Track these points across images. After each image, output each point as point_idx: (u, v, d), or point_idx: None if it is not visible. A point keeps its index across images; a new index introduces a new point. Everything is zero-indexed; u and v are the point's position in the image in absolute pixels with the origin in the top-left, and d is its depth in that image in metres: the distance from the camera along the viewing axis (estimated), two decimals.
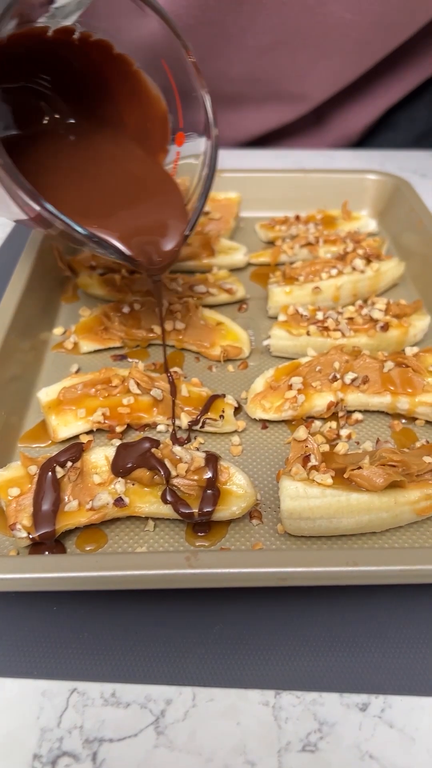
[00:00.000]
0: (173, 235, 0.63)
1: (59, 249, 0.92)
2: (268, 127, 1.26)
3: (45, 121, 0.71)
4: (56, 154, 0.67)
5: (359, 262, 0.86)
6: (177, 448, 0.59)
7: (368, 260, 0.87)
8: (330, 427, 0.69)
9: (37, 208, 0.51)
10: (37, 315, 0.83)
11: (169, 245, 0.63)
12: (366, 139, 1.38)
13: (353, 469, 0.57)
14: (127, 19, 0.59)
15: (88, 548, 0.58)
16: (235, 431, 0.70)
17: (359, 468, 0.57)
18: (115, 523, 0.60)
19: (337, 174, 1.08)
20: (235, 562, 0.49)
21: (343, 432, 0.69)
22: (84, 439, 0.63)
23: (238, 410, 0.72)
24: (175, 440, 0.68)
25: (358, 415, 0.71)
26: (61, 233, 0.56)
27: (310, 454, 0.59)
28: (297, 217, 1.02)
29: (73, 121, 0.70)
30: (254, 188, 1.07)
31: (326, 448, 0.65)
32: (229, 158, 1.28)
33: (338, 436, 0.69)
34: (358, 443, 0.69)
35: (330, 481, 0.56)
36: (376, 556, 0.50)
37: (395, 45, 1.11)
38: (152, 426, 0.70)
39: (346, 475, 0.56)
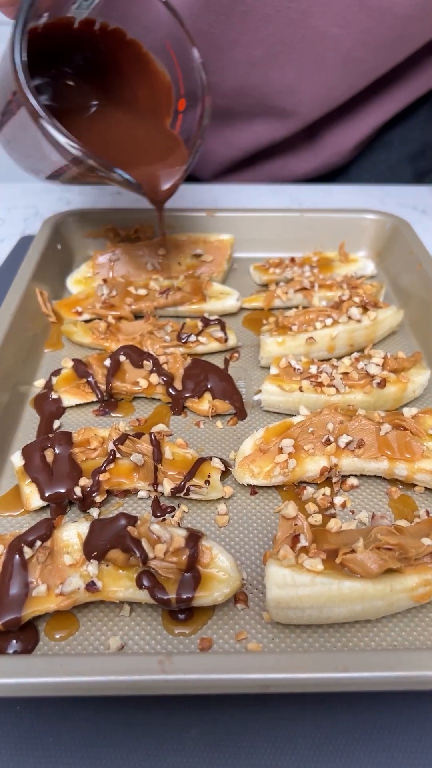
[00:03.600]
0: (174, 171, 0.79)
1: (44, 294, 0.89)
2: (259, 143, 1.25)
3: (74, 105, 0.84)
4: (81, 125, 0.80)
5: (355, 311, 0.82)
6: (155, 527, 0.54)
7: (365, 308, 0.84)
8: (323, 494, 0.65)
9: (74, 149, 0.64)
10: (19, 364, 0.79)
11: (171, 178, 0.79)
12: (359, 157, 1.36)
13: (346, 553, 0.52)
14: (136, 7, 0.73)
15: (57, 636, 0.53)
16: (222, 498, 0.65)
17: (352, 552, 0.52)
18: (88, 606, 0.55)
19: (335, 213, 1.05)
20: (212, 668, 0.44)
21: (338, 500, 0.64)
22: (58, 513, 0.59)
23: (225, 473, 0.68)
24: (158, 508, 0.64)
25: (353, 480, 0.67)
26: (88, 169, 0.68)
27: (299, 534, 0.54)
28: (292, 260, 0.99)
29: (95, 102, 0.83)
30: (249, 228, 1.03)
31: (319, 518, 0.61)
32: (223, 194, 1.26)
33: (332, 505, 0.64)
34: (353, 512, 0.64)
35: (320, 567, 0.51)
36: (368, 660, 0.45)
37: (388, 65, 1.10)
38: (133, 492, 0.66)
39: (338, 560, 0.52)
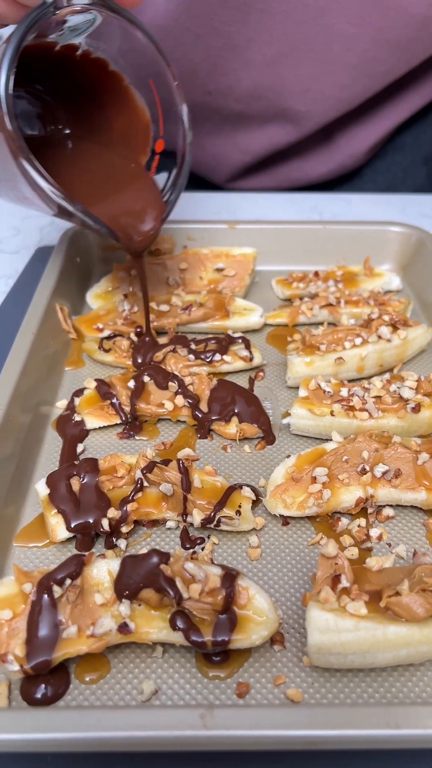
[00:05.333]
0: (150, 220, 0.76)
1: (65, 310, 0.86)
2: (273, 146, 1.24)
3: (44, 129, 0.82)
4: (53, 157, 0.76)
5: (385, 330, 0.79)
6: (189, 565, 0.52)
7: (394, 327, 0.81)
8: (359, 526, 0.63)
9: (56, 196, 0.62)
10: (40, 383, 0.76)
11: (146, 227, 0.76)
12: (373, 160, 1.34)
13: (390, 596, 0.50)
14: (123, 41, 0.70)
15: (88, 678, 0.51)
16: (253, 529, 0.63)
17: (397, 594, 0.50)
18: (120, 647, 0.53)
19: (358, 226, 1.02)
20: (257, 723, 0.42)
21: (374, 532, 0.62)
22: (84, 544, 0.57)
23: (256, 502, 0.66)
24: (187, 539, 0.62)
25: (389, 511, 0.64)
26: (59, 209, 0.65)
27: (340, 574, 0.52)
28: (316, 273, 0.96)
29: (68, 131, 0.81)
30: (270, 240, 1.01)
31: (355, 551, 0.59)
32: (240, 203, 1.23)
33: (368, 537, 0.62)
34: (389, 545, 0.62)
35: (364, 610, 0.49)
36: (421, 715, 0.43)
37: (404, 68, 1.08)
38: (161, 522, 0.63)
39: (382, 604, 0.50)
